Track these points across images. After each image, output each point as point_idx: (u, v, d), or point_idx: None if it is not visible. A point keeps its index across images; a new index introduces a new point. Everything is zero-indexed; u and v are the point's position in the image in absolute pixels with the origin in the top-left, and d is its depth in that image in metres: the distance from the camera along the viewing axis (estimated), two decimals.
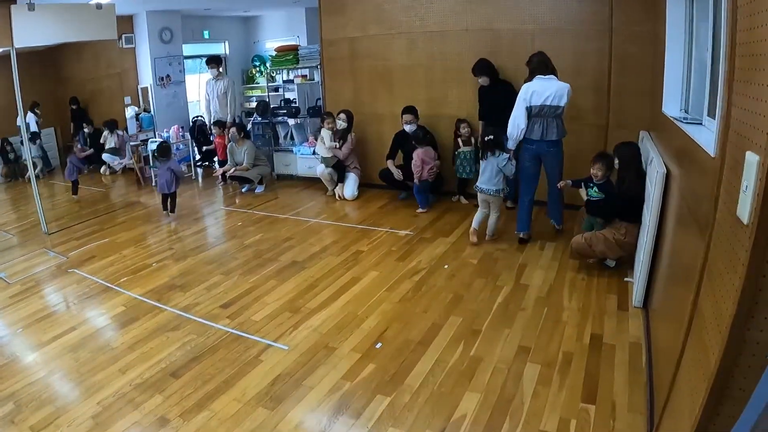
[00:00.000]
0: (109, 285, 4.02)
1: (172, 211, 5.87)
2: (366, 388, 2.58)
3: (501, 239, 4.57)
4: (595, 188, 3.81)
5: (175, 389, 2.63)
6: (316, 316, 3.36)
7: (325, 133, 6.19)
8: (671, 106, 3.39)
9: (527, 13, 5.10)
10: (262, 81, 10.08)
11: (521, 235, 4.49)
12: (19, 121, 5.62)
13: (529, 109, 4.12)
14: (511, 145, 4.34)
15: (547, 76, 4.12)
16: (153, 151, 6.86)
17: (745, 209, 1.10)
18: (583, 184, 3.91)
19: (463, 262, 4.13)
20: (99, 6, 5.99)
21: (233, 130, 6.69)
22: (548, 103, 4.06)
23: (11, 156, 7.97)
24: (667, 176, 2.91)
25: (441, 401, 2.45)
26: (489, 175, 4.37)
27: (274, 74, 9.00)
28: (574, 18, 4.90)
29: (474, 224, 4.53)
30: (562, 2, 4.94)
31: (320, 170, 6.31)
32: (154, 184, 7.47)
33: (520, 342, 2.93)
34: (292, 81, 7.75)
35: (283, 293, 3.73)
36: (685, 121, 2.79)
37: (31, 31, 5.41)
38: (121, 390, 2.65)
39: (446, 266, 4.06)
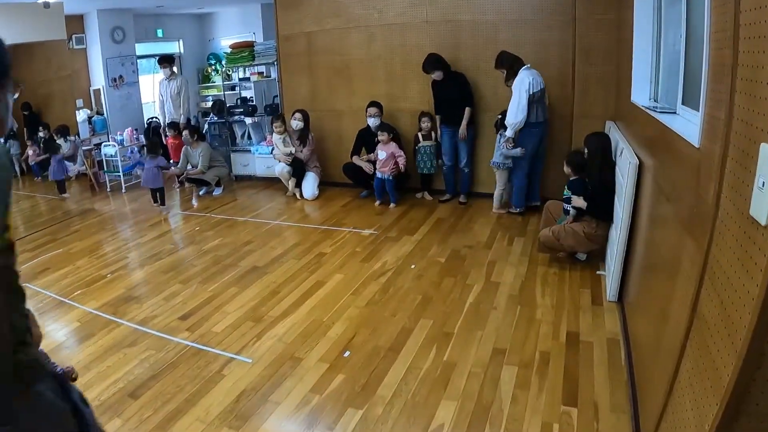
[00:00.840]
0: (62, 299, 3.74)
1: (162, 203, 6.03)
2: (336, 400, 2.42)
3: (466, 236, 4.48)
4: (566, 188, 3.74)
5: (134, 411, 2.43)
6: (280, 324, 3.18)
7: (277, 139, 5.95)
8: (640, 95, 3.34)
9: (489, 3, 5.02)
10: (218, 80, 9.74)
11: (519, 210, 4.94)
12: None
13: (531, 97, 4.45)
14: (510, 133, 4.57)
15: (526, 66, 4.51)
16: (141, 148, 6.77)
17: (762, 208, 0.98)
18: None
19: (431, 261, 4.01)
20: (47, 5, 5.65)
21: (186, 132, 6.39)
22: (540, 87, 4.51)
23: None
24: (640, 167, 2.85)
25: (416, 412, 2.31)
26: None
27: (230, 72, 8.72)
28: (537, 8, 4.85)
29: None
30: None
31: (278, 169, 6.09)
32: (109, 190, 7.11)
33: (495, 344, 2.82)
34: (248, 79, 7.48)
35: (244, 301, 3.53)
36: (657, 110, 2.72)
37: None
38: None
39: (413, 266, 3.94)
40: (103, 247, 4.88)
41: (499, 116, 4.81)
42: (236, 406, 2.42)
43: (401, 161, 5.40)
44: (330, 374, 2.63)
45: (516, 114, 4.45)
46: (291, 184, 6.08)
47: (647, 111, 2.80)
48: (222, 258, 4.37)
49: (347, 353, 2.81)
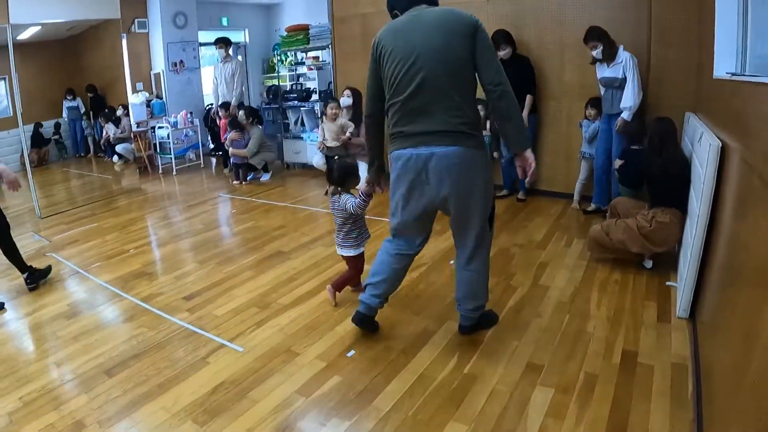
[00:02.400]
0: (79, 270, 3.66)
1: (245, 179, 6.21)
2: (322, 407, 2.01)
3: (518, 234, 3.95)
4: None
5: (103, 389, 2.20)
6: (287, 313, 2.82)
7: (328, 125, 5.45)
8: (725, 64, 2.71)
9: None
10: (283, 70, 9.65)
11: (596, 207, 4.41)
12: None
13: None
14: (628, 116, 3.88)
15: (621, 46, 3.95)
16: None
17: None
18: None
19: None
20: None
21: (241, 112, 6.24)
22: None
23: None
24: (723, 150, 2.25)
25: None
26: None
27: (294, 62, 8.57)
28: None
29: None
30: None
31: (316, 160, 5.76)
32: (161, 172, 7.14)
33: (531, 358, 2.31)
34: (304, 63, 7.26)
35: (256, 286, 3.21)
36: (747, 76, 2.12)
37: (28, 8, 5.16)
38: (48, 385, 2.26)
39: (452, 262, 3.46)
40: (135, 224, 4.80)
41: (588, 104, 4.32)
42: (209, 399, 2.08)
43: None
44: (325, 374, 2.23)
45: (637, 95, 3.83)
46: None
47: (735, 79, 2.20)
48: (248, 241, 4.10)
49: (351, 352, 2.40)
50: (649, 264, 3.15)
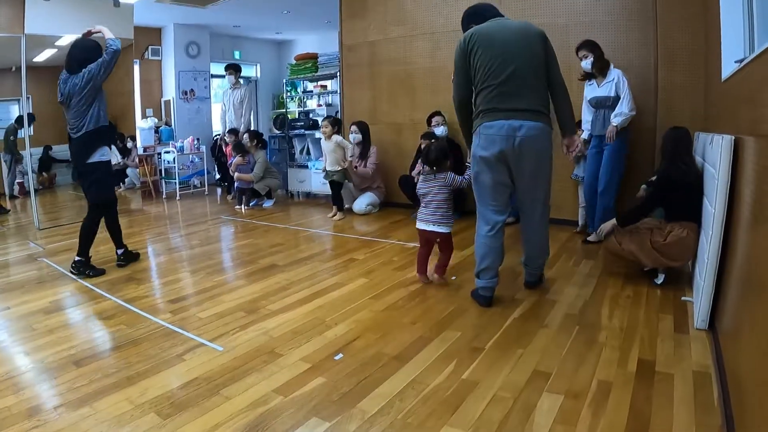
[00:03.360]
0: (67, 273, 3.56)
1: (248, 204, 6.09)
2: (301, 406, 1.80)
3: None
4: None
5: (69, 378, 2.04)
6: (275, 318, 2.63)
7: (325, 146, 5.38)
8: (733, 57, 2.60)
9: (561, 5, 4.47)
10: (292, 106, 9.73)
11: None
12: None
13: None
14: (619, 121, 3.74)
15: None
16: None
17: None
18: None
19: None
20: (117, 3, 5.75)
21: (246, 136, 6.22)
22: None
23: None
24: (737, 145, 2.10)
25: None
26: None
27: (305, 99, 8.64)
28: (613, 7, 4.24)
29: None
30: None
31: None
32: (165, 197, 7.08)
33: (537, 365, 2.10)
34: (312, 92, 7.29)
35: (246, 293, 3.04)
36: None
37: (44, 20, 5.26)
38: (12, 371, 2.12)
39: (454, 277, 3.28)
40: (132, 238, 4.66)
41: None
42: (178, 393, 1.89)
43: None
44: (308, 375, 2.02)
45: (632, 106, 3.69)
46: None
47: (744, 66, 2.08)
48: (243, 255, 3.96)
49: (339, 356, 2.20)
50: (660, 279, 2.95)
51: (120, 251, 3.71)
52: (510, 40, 2.63)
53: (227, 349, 2.26)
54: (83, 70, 3.28)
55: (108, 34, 3.39)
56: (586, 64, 3.84)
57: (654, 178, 3.23)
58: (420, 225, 3.13)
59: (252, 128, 6.93)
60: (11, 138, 6.40)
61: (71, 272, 3.48)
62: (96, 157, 3.41)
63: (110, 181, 3.65)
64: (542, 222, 2.86)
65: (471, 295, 2.89)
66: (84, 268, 3.48)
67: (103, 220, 3.60)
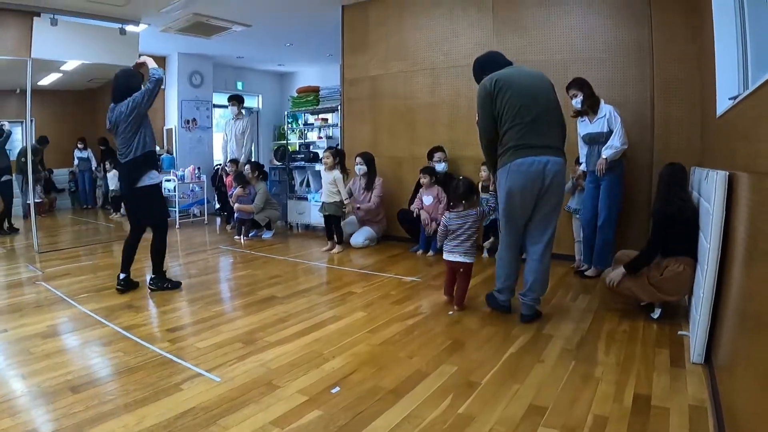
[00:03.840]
0: (65, 298, 3.59)
1: (247, 235, 6.09)
2: None
3: (519, 289, 3.79)
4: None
5: (66, 404, 2.04)
6: (272, 350, 2.64)
7: (324, 177, 5.40)
8: (727, 94, 2.69)
9: (559, 42, 4.61)
10: (293, 138, 9.87)
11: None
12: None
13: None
14: (610, 154, 3.83)
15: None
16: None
17: None
18: None
19: (473, 309, 3.35)
20: (123, 31, 5.92)
21: (247, 167, 6.29)
22: None
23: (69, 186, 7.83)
24: (731, 181, 2.16)
25: None
26: None
27: (306, 132, 8.77)
28: (610, 44, 4.37)
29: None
30: (597, 28, 4.43)
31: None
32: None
33: (534, 400, 2.10)
34: (313, 125, 7.41)
35: (244, 324, 3.05)
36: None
37: (50, 45, 5.39)
38: (8, 395, 2.13)
39: (451, 312, 3.30)
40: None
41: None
42: (175, 423, 1.89)
43: (443, 203, 4.92)
44: (304, 408, 2.03)
45: (624, 140, 3.78)
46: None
47: (738, 102, 2.15)
48: (242, 286, 3.98)
49: (336, 389, 2.20)
50: (657, 314, 2.98)
51: (153, 276, 3.78)
52: (532, 85, 2.94)
53: (225, 380, 2.27)
54: (128, 98, 3.47)
55: (151, 64, 3.61)
56: (577, 102, 3.95)
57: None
58: (447, 256, 3.36)
59: (252, 159, 7.01)
60: (33, 158, 6.51)
61: (150, 288, 3.74)
62: (146, 181, 3.58)
63: (163, 202, 3.85)
64: (547, 253, 3.03)
65: (488, 304, 3.29)
66: (159, 283, 3.74)
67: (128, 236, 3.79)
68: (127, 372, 2.36)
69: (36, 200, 6.82)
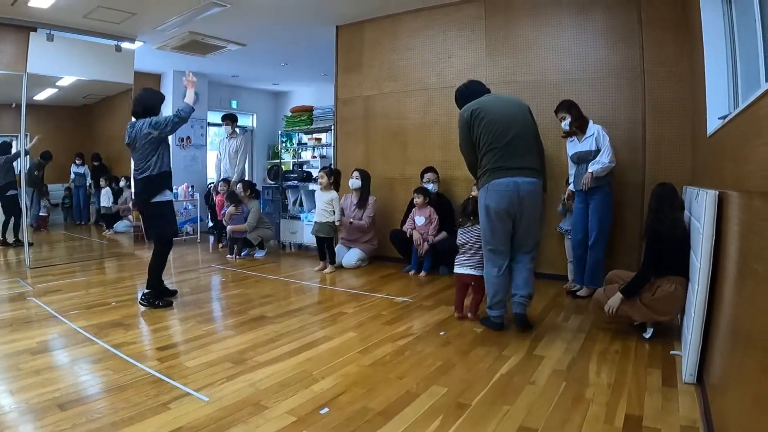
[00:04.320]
0: (55, 314, 3.56)
1: (239, 254, 6.11)
2: None
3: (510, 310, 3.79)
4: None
5: (52, 421, 2.02)
6: (262, 370, 2.61)
7: (318, 196, 5.41)
8: (717, 113, 2.73)
9: (551, 63, 4.68)
10: (287, 157, 9.89)
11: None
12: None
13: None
14: (598, 169, 3.86)
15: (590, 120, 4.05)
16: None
17: None
18: None
19: (464, 330, 3.34)
20: (118, 48, 5.96)
21: (239, 186, 6.29)
22: None
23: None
24: (721, 201, 2.18)
25: None
26: None
27: (300, 151, 8.80)
28: (601, 65, 4.45)
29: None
30: (589, 49, 4.51)
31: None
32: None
33: (523, 422, 2.09)
34: (306, 144, 7.45)
35: (234, 343, 3.02)
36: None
37: (46, 60, 5.43)
38: None
39: (442, 333, 3.28)
40: (121, 282, 4.75)
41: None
42: None
43: (434, 224, 5.00)
44: (293, 429, 2.00)
45: (612, 158, 3.81)
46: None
47: (728, 121, 2.18)
48: (233, 305, 3.96)
49: (325, 410, 2.18)
50: (648, 333, 2.98)
51: (147, 291, 3.81)
52: (506, 111, 3.20)
53: (213, 399, 2.24)
54: (151, 118, 3.67)
55: (188, 97, 3.82)
56: (565, 124, 4.00)
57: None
58: (458, 270, 3.56)
59: (245, 178, 7.02)
60: (35, 173, 6.55)
61: (141, 303, 3.77)
62: (159, 198, 3.73)
63: (171, 220, 3.88)
64: (530, 260, 3.31)
65: (482, 323, 3.41)
66: (152, 299, 3.76)
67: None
68: (116, 390, 2.33)
69: (42, 214, 6.84)
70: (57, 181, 7.41)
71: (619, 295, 2.98)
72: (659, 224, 2.91)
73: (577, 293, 4.12)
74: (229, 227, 6.12)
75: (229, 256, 6.13)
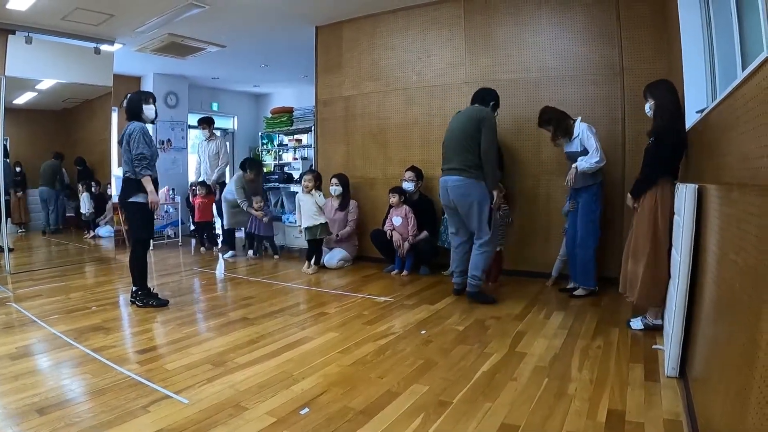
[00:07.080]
0: (35, 319, 3.49)
1: (256, 253, 6.24)
2: None
3: (495, 308, 3.80)
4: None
5: (31, 426, 1.98)
6: (242, 371, 2.57)
7: (305, 199, 5.35)
8: (694, 108, 2.76)
9: (530, 61, 4.70)
10: (268, 159, 9.80)
11: (586, 291, 4.12)
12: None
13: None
14: (586, 166, 3.85)
15: (578, 118, 4.01)
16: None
17: None
18: None
19: (446, 329, 3.33)
20: (97, 51, 5.87)
21: (218, 188, 6.23)
22: None
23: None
24: (701, 195, 2.20)
25: None
26: None
27: (281, 153, 8.73)
28: (581, 62, 4.47)
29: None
30: (568, 46, 4.54)
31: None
32: None
33: (506, 418, 2.08)
34: (287, 146, 7.40)
35: (214, 345, 2.97)
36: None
37: (25, 63, 5.34)
38: None
39: (423, 332, 3.26)
40: (102, 287, 4.68)
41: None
42: None
43: (412, 223, 5.00)
44: (273, 429, 1.97)
45: (599, 156, 3.78)
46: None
47: (704, 115, 2.20)
48: (214, 307, 3.91)
49: (305, 410, 2.15)
50: (637, 325, 3.00)
51: (134, 288, 3.90)
52: (455, 122, 3.98)
53: (193, 402, 2.19)
54: (133, 129, 3.76)
55: (147, 188, 3.81)
56: (551, 136, 4.04)
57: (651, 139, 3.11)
58: None
59: (226, 180, 6.94)
60: (57, 176, 6.65)
61: (131, 301, 3.88)
62: (136, 198, 3.79)
63: (147, 222, 3.91)
64: (478, 246, 3.92)
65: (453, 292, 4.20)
66: (146, 298, 3.86)
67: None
68: (95, 394, 2.28)
69: (69, 214, 6.82)
70: (35, 186, 7.26)
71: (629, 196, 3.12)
72: (682, 124, 2.91)
73: (574, 293, 4.11)
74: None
75: (215, 263, 6.02)
